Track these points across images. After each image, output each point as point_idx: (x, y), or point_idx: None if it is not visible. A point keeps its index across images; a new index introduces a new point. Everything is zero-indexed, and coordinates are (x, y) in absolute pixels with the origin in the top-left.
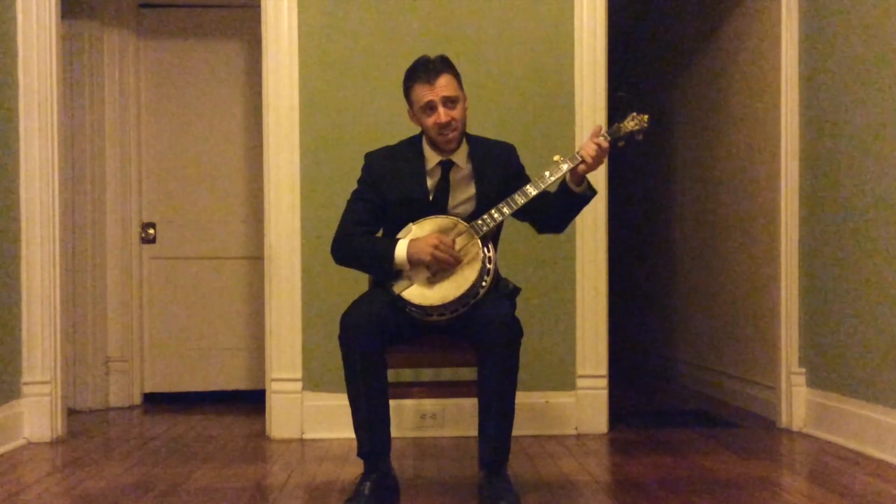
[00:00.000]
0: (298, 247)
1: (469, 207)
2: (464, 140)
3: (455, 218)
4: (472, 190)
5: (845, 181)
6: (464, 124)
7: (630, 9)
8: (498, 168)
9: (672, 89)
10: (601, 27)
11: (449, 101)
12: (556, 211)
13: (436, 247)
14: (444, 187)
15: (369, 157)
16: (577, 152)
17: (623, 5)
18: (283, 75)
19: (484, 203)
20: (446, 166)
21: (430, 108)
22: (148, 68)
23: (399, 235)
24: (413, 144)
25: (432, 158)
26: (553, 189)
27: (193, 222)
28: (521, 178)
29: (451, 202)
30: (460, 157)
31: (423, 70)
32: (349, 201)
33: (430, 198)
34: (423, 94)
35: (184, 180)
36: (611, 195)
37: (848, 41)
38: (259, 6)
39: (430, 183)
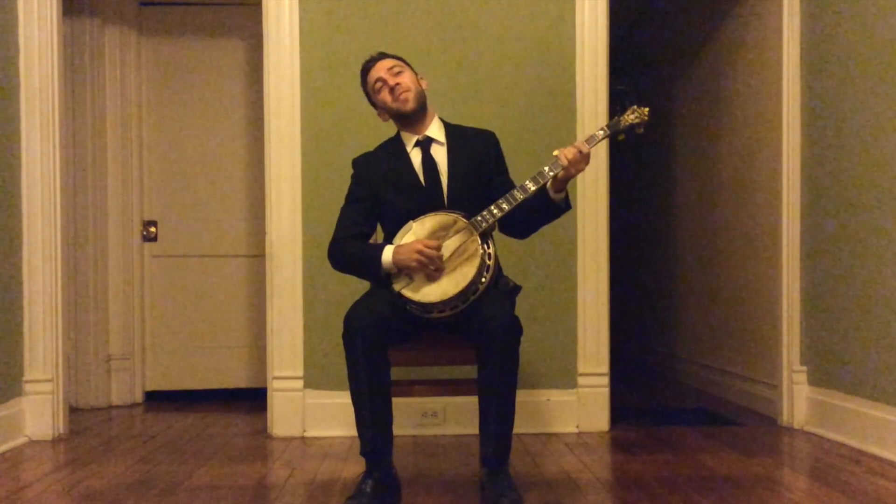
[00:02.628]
0: (300, 245)
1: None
2: (436, 118)
3: (455, 215)
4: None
5: (847, 179)
6: (418, 91)
7: (631, 7)
8: (473, 152)
9: (673, 88)
10: (602, 25)
11: (394, 70)
12: (526, 215)
13: (420, 252)
14: (430, 166)
15: (356, 160)
16: (555, 155)
17: (624, 4)
18: (285, 73)
19: (455, 185)
20: (425, 144)
21: (381, 82)
22: (149, 66)
23: (399, 233)
24: (391, 139)
25: (410, 141)
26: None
27: (195, 220)
28: (502, 165)
29: (443, 180)
30: (436, 133)
31: (367, 63)
32: (343, 206)
33: (422, 181)
34: (372, 77)
35: (185, 178)
36: (612, 194)
37: (849, 40)
38: (260, 4)
39: (416, 164)
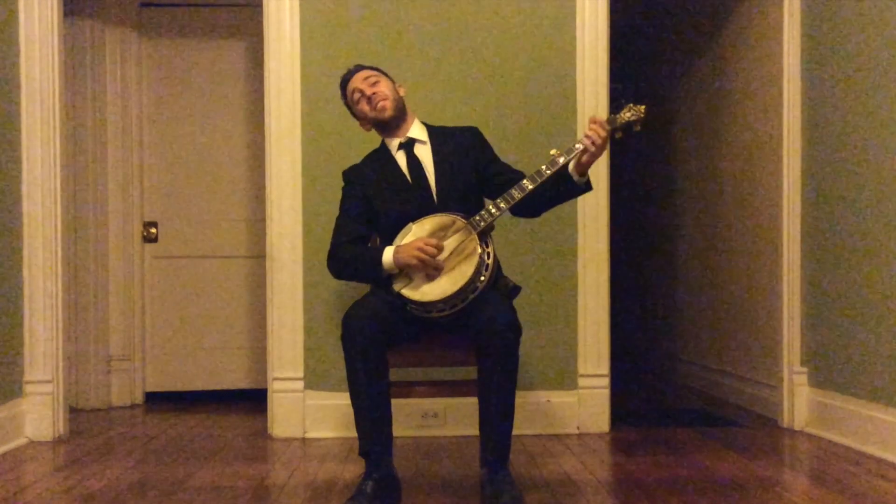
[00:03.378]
0: (300, 246)
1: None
2: (416, 120)
3: (454, 215)
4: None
5: (847, 180)
6: (395, 98)
7: (632, 7)
8: (457, 146)
9: (674, 88)
10: (603, 25)
11: (369, 80)
12: (545, 197)
13: (420, 250)
14: (415, 165)
15: (345, 171)
16: (578, 142)
17: (625, 4)
18: (285, 74)
19: (442, 181)
20: (408, 145)
21: (359, 93)
22: (150, 67)
23: (399, 235)
24: (377, 148)
25: (394, 145)
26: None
27: (195, 221)
28: (489, 154)
29: (430, 178)
30: (417, 133)
31: (345, 77)
32: (338, 216)
33: (409, 180)
34: (350, 90)
35: (185, 179)
36: (612, 193)
37: (850, 40)
38: (261, 5)
39: (402, 165)
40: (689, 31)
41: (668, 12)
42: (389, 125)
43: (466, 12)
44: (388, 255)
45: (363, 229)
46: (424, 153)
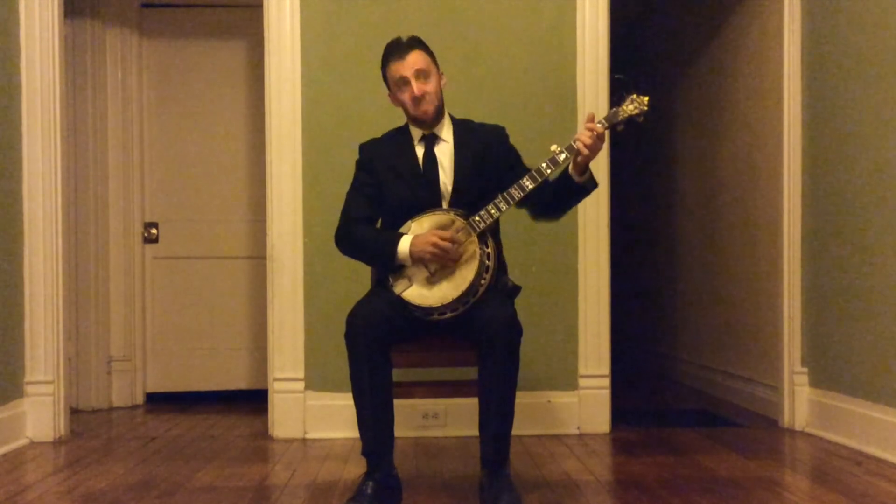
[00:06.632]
0: (301, 246)
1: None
2: (447, 116)
3: (452, 214)
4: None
5: (848, 180)
6: (439, 98)
7: (632, 6)
8: (479, 147)
9: (674, 88)
10: (603, 24)
11: (421, 75)
12: (556, 200)
13: (434, 245)
14: (430, 161)
15: (362, 145)
16: (573, 142)
17: (625, 2)
18: (286, 75)
19: (459, 180)
20: (430, 141)
21: (404, 83)
22: (150, 68)
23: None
24: (400, 128)
25: (417, 134)
26: (553, 177)
27: (196, 222)
28: (512, 159)
29: (442, 176)
30: (444, 132)
31: (395, 49)
32: (348, 192)
33: (421, 169)
34: (397, 70)
35: (186, 180)
36: (613, 194)
37: (850, 39)
38: (261, 6)
39: (419, 156)
40: (689, 30)
41: (668, 11)
42: (422, 124)
43: (467, 12)
44: (404, 244)
45: (373, 212)
46: (444, 151)
